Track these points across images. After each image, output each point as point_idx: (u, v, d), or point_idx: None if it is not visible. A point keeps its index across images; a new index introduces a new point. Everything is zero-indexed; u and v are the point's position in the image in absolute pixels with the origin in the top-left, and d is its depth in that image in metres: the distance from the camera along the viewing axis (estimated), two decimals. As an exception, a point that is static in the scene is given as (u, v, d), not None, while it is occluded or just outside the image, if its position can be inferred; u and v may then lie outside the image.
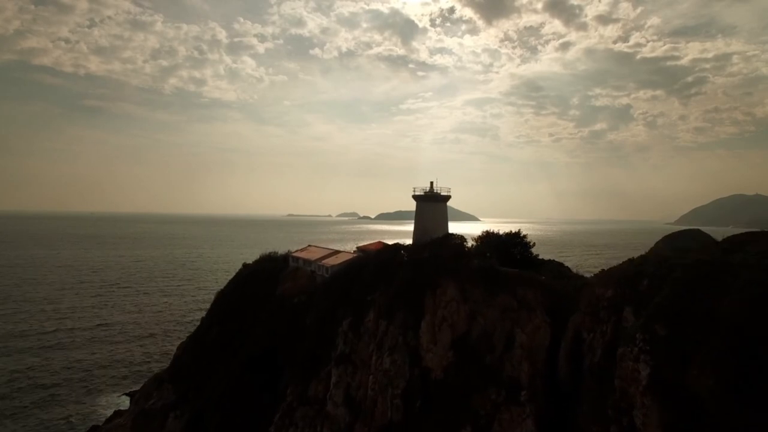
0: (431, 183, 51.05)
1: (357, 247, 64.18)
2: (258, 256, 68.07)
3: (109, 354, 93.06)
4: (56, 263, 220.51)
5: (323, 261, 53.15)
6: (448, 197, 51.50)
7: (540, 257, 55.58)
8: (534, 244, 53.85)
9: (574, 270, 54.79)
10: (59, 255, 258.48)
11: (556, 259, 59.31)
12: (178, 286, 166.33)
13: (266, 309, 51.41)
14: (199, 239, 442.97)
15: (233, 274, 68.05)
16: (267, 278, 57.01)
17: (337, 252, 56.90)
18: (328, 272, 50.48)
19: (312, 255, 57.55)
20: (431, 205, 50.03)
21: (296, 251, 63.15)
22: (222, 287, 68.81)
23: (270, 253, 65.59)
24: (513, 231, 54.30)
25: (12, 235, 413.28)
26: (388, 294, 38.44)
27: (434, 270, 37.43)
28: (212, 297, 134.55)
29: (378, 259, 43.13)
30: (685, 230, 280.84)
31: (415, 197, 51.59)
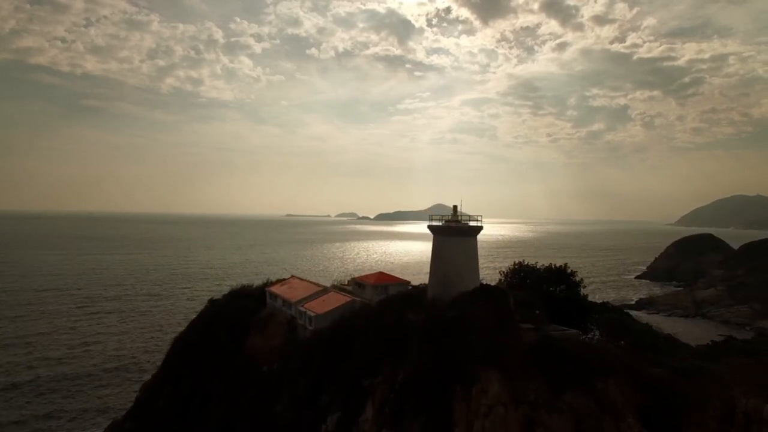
0: (454, 207, 35.52)
1: (352, 279, 51.41)
2: (231, 287, 54.91)
3: (70, 396, 78.64)
4: (42, 269, 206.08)
5: (306, 305, 40.05)
6: (479, 229, 35.15)
7: (586, 294, 42.72)
8: (583, 282, 40.75)
9: (638, 316, 42.01)
10: (48, 259, 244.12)
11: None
12: (169, 296, 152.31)
13: (227, 375, 38.38)
14: (196, 241, 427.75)
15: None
16: (235, 323, 43.87)
17: (325, 291, 43.69)
18: (311, 323, 37.48)
19: (293, 293, 44.44)
20: (456, 241, 34.14)
21: (275, 284, 50.06)
22: (202, 311, 55.76)
23: (243, 286, 52.42)
24: (556, 265, 41.30)
25: (5, 237, 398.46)
26: (395, 382, 25.43)
27: (466, 351, 24.33)
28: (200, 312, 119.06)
29: (379, 323, 29.79)
30: (697, 235, 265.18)
31: (432, 229, 36.07)
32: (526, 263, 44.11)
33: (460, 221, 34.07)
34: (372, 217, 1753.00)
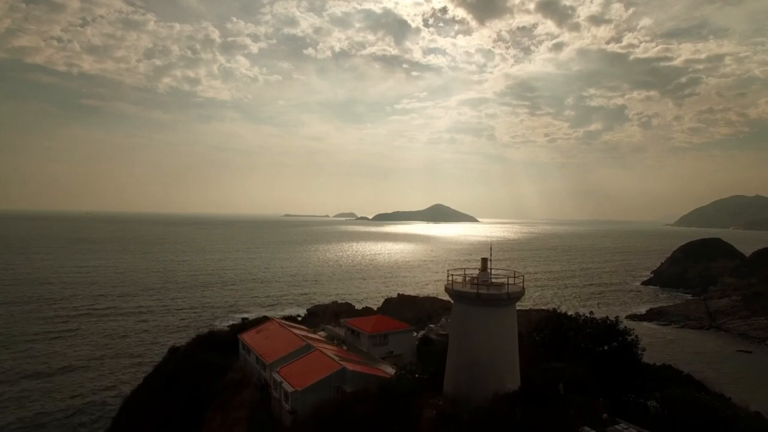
0: (484, 261, 25.58)
1: (346, 323, 42.54)
2: (206, 325, 45.64)
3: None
4: (29, 277, 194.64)
5: (283, 371, 30.92)
6: (519, 294, 24.71)
7: (642, 349, 33.34)
8: (640, 342, 31.56)
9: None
10: (38, 265, 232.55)
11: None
12: (158, 310, 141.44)
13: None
14: (192, 243, 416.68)
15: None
16: (195, 390, 34.80)
17: (308, 348, 34.46)
18: (287, 400, 28.50)
19: (270, 348, 35.33)
20: (488, 313, 23.57)
21: (251, 330, 40.91)
22: (160, 363, 46.65)
23: (212, 331, 43.37)
24: (604, 319, 32.22)
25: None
26: None
27: None
28: (185, 331, 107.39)
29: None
30: (705, 239, 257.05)
31: (453, 294, 25.22)
32: (563, 311, 34.97)
33: (492, 284, 24.12)
34: (371, 217, 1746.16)
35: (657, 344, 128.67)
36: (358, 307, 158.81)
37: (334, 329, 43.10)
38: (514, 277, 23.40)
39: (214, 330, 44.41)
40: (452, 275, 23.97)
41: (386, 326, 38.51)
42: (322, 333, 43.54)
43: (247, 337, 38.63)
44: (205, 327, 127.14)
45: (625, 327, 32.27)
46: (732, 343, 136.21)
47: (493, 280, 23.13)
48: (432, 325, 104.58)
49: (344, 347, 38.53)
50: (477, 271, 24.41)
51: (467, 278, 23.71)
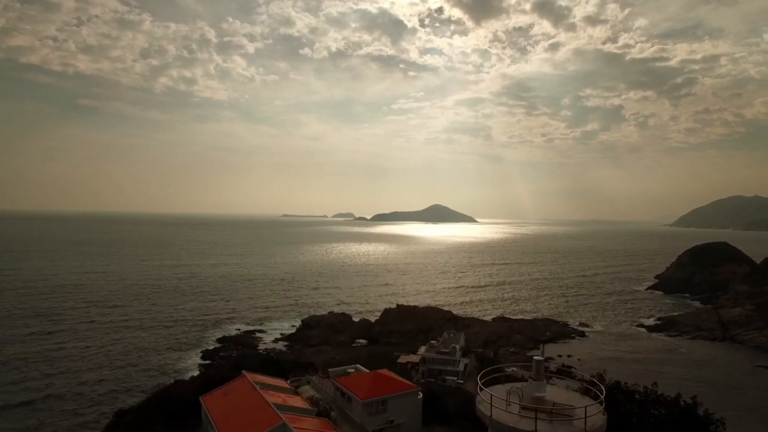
0: (538, 364, 14.87)
1: (335, 381, 34.64)
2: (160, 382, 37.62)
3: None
4: (17, 283, 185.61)
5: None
6: (601, 429, 13.85)
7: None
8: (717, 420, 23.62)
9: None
10: (26, 270, 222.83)
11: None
12: (145, 325, 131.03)
13: None
14: (188, 245, 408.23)
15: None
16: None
17: (283, 428, 26.45)
18: None
19: (234, 423, 27.39)
20: None
21: (216, 391, 32.86)
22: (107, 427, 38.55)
23: (168, 388, 35.29)
24: (676, 399, 24.26)
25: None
26: None
27: None
28: (170, 351, 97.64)
29: None
30: (712, 243, 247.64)
31: (490, 423, 14.27)
32: (622, 383, 26.49)
33: (555, 405, 13.74)
34: (369, 217, 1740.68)
35: (675, 361, 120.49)
36: (356, 318, 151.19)
37: (320, 384, 35.27)
38: (582, 399, 13.39)
39: (172, 384, 36.29)
40: (489, 393, 13.85)
41: (385, 389, 30.73)
42: (306, 387, 35.72)
43: (211, 404, 30.66)
44: (193, 344, 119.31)
45: (706, 411, 24.35)
46: (749, 357, 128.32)
47: (556, 399, 14.12)
48: (433, 342, 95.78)
49: (332, 414, 30.79)
50: (517, 368, 15.88)
51: (512, 394, 14.16)
